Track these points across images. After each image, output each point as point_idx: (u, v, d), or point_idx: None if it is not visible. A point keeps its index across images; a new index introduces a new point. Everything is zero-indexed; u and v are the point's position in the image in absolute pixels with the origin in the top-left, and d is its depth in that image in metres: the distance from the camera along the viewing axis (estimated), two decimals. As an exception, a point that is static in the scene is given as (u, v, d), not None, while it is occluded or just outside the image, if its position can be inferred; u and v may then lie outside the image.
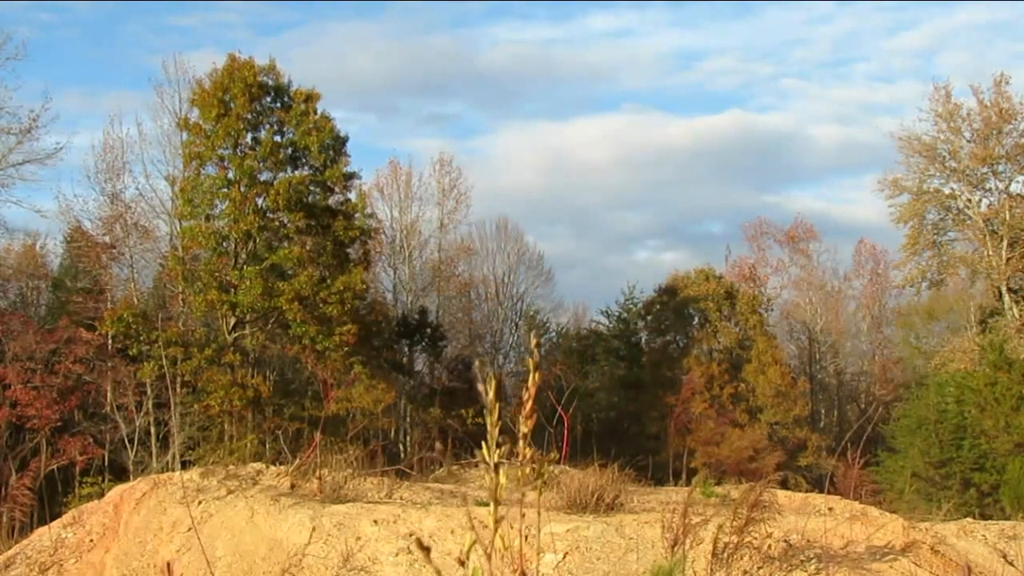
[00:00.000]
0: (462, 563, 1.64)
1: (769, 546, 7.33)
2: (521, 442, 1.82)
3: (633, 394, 40.17)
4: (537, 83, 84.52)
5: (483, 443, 1.65)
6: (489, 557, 1.56)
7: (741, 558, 6.99)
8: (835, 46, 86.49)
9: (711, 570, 6.88)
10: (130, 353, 27.67)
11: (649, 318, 43.37)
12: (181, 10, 77.60)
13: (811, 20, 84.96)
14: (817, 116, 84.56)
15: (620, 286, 43.91)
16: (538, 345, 1.90)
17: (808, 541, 7.66)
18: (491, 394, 1.62)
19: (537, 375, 1.81)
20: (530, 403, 1.79)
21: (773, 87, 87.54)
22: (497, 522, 1.62)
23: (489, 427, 1.63)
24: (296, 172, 29.21)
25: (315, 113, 29.35)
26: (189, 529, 8.86)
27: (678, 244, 76.51)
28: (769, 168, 79.91)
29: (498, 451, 1.65)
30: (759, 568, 7.14)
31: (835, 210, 74.52)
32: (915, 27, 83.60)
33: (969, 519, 11.05)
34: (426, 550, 1.53)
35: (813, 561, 7.29)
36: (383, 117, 79.42)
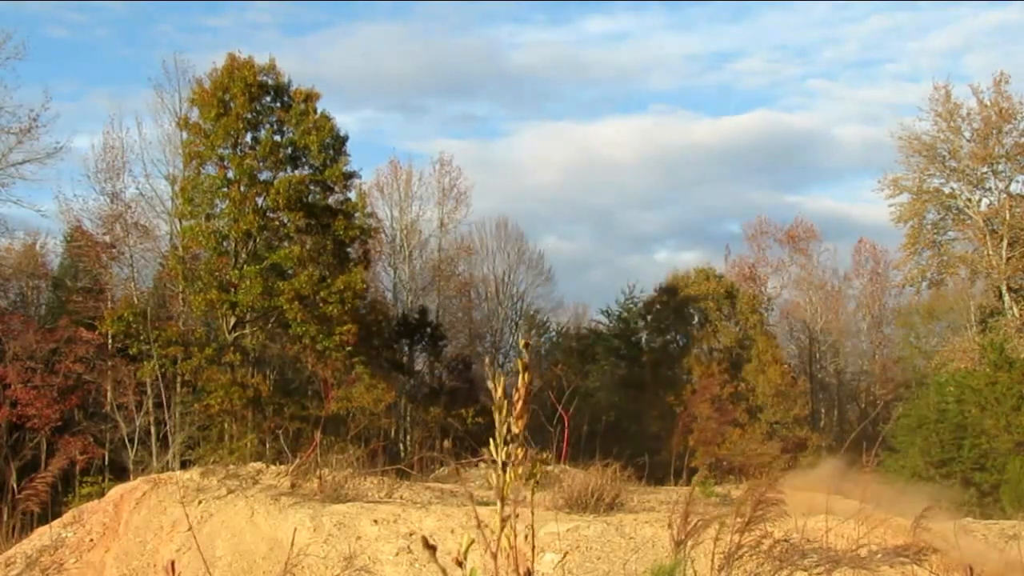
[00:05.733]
0: (459, 563, 1.62)
1: (770, 546, 7.31)
2: (513, 442, 1.81)
3: (633, 394, 40.15)
4: (565, 84, 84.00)
5: (491, 440, 1.64)
6: (495, 556, 1.55)
7: (742, 558, 6.98)
8: (863, 46, 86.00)
9: (712, 570, 6.87)
10: (130, 353, 27.67)
11: (649, 317, 43.34)
12: (213, 10, 77.72)
13: (839, 21, 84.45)
14: (843, 116, 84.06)
15: (637, 286, 43.79)
16: (527, 345, 1.89)
17: (809, 540, 7.65)
18: (499, 392, 1.62)
19: (527, 375, 1.80)
20: (520, 403, 1.78)
21: (800, 87, 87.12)
22: (503, 521, 1.61)
23: (497, 425, 1.62)
24: (296, 171, 29.21)
25: (315, 112, 29.36)
26: (189, 529, 8.86)
27: (698, 244, 76.25)
28: (792, 168, 79.52)
29: (505, 449, 1.64)
30: (760, 568, 7.12)
31: (856, 210, 74.22)
32: (944, 27, 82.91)
33: (969, 519, 11.04)
34: (432, 548, 1.53)
35: (814, 561, 7.28)
36: (410, 117, 79.31)
